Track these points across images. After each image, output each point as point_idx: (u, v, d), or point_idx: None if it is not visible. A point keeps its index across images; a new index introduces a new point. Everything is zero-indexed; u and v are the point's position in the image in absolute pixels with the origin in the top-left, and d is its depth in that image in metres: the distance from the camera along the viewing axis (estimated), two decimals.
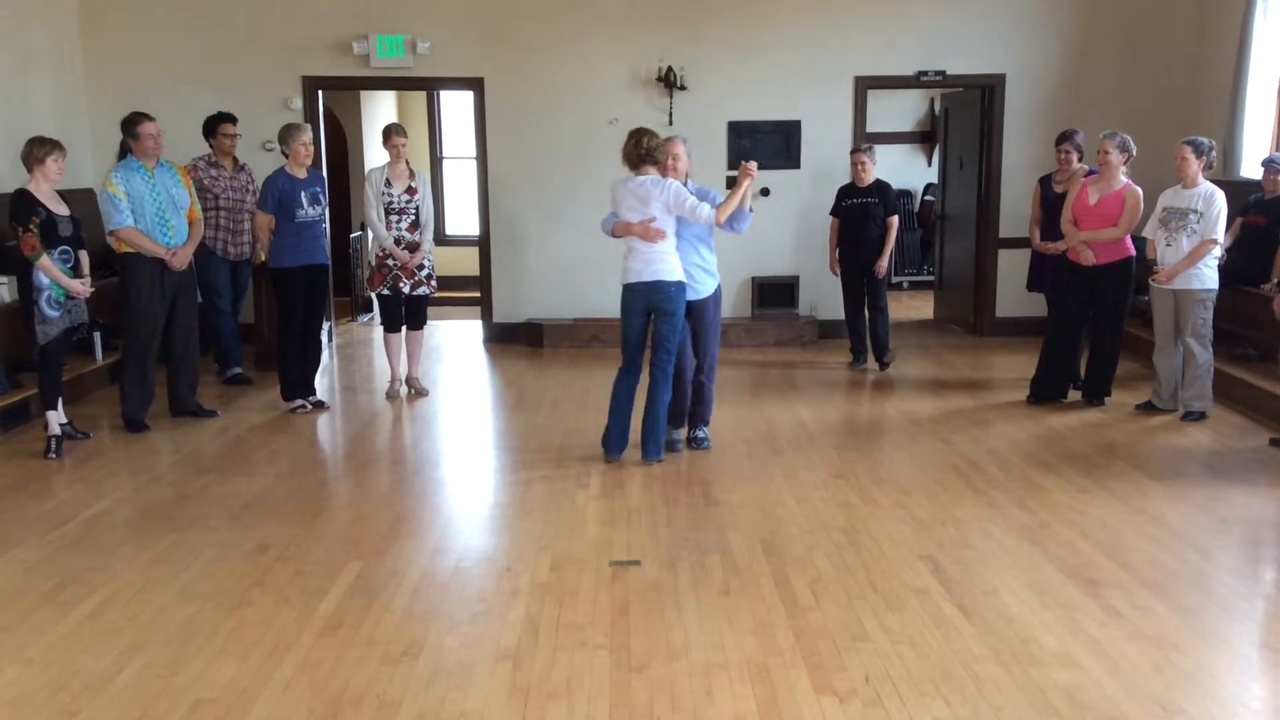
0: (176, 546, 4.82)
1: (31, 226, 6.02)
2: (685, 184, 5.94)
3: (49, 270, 6.08)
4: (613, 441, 6.01)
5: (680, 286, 5.81)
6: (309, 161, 7.18)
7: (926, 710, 3.35)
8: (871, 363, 8.68)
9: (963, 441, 6.47)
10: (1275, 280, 6.97)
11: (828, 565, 4.54)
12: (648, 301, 5.78)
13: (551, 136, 9.67)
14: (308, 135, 7.16)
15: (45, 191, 6.20)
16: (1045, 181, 7.84)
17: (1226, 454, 6.18)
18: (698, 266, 6.01)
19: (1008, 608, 4.09)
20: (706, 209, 5.72)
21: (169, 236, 6.77)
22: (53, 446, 6.23)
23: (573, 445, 6.46)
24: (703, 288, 6.04)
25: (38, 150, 6.17)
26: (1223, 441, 6.42)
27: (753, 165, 5.86)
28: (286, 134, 7.19)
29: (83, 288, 6.26)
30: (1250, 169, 8.43)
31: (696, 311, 6.05)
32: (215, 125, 8.19)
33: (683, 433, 6.30)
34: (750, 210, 6.02)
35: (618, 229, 5.82)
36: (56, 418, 6.29)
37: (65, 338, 6.36)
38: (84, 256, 6.37)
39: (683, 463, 6.02)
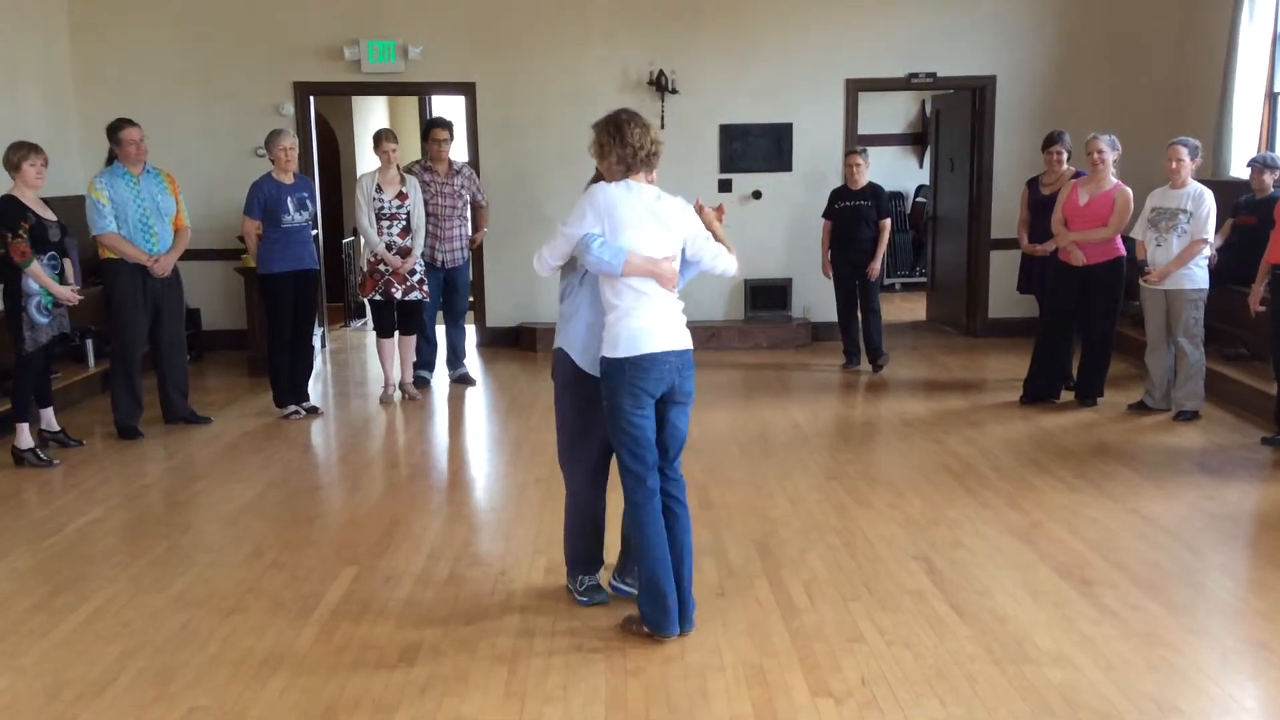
0: (170, 553, 4.81)
1: (21, 232, 5.95)
2: None
3: (39, 276, 6.02)
4: (674, 612, 3.84)
5: None
6: (292, 166, 7.17)
7: (922, 710, 3.35)
8: (865, 364, 8.70)
9: (956, 442, 6.48)
10: (1265, 284, 6.98)
11: (822, 567, 4.54)
12: (671, 381, 3.81)
13: (543, 140, 9.68)
14: (287, 140, 7.16)
15: (30, 197, 6.10)
16: (1033, 184, 7.88)
17: (1219, 453, 6.19)
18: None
19: (1002, 607, 4.10)
20: (731, 257, 4.05)
21: (152, 243, 6.75)
22: (32, 458, 6.13)
23: None
24: None
25: (13, 155, 6.06)
26: (1215, 440, 6.44)
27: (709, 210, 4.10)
28: (269, 140, 7.22)
29: (72, 295, 6.20)
30: (1239, 169, 8.46)
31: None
32: (427, 131, 8.12)
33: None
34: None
35: (634, 265, 3.72)
36: (48, 415, 6.20)
37: (50, 347, 6.28)
38: (69, 265, 6.30)
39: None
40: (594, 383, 3.90)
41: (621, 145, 3.78)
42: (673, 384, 3.81)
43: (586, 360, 3.93)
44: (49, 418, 6.51)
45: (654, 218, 3.79)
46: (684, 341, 3.85)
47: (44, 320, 6.12)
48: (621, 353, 3.73)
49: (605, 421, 3.88)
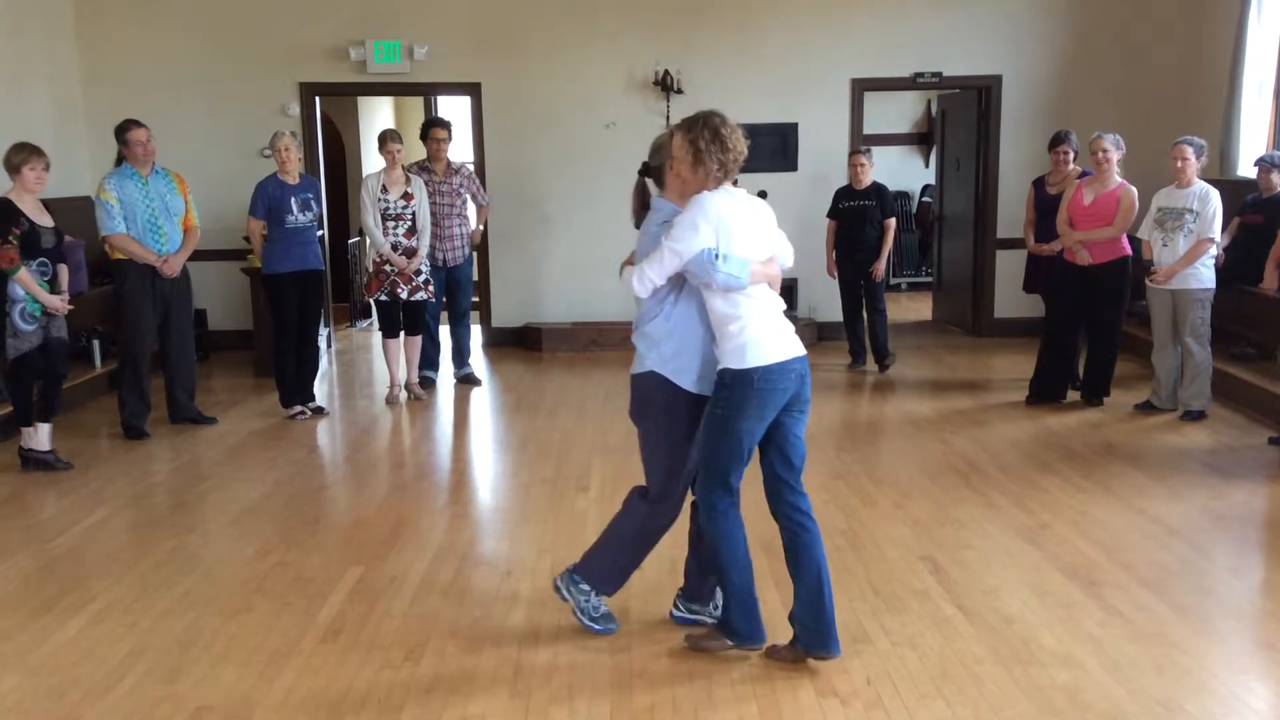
0: (176, 553, 4.82)
1: (11, 238, 5.77)
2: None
3: (26, 284, 5.83)
4: (758, 622, 3.73)
5: None
6: (291, 166, 7.17)
7: (928, 711, 3.35)
8: (870, 364, 8.69)
9: (962, 442, 6.47)
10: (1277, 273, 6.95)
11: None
12: (795, 389, 3.60)
13: (549, 141, 9.69)
14: (283, 140, 7.18)
15: (28, 201, 5.93)
16: (1039, 184, 7.88)
17: (1226, 453, 6.17)
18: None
19: (1008, 608, 4.09)
20: (790, 247, 3.84)
21: (161, 243, 6.75)
22: (40, 462, 6.07)
23: (572, 448, 6.45)
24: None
25: (13, 157, 5.87)
26: (1222, 440, 6.42)
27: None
28: (270, 141, 7.25)
29: (61, 304, 6.02)
30: (1247, 168, 8.44)
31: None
32: (426, 130, 8.21)
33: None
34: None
35: (755, 274, 3.52)
36: (48, 429, 6.14)
37: (55, 350, 6.20)
38: (63, 270, 6.14)
39: None
40: (702, 405, 3.66)
41: (723, 150, 3.49)
42: (796, 392, 3.58)
43: (704, 381, 3.65)
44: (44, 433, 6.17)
45: (755, 222, 3.61)
46: (802, 346, 3.64)
47: (28, 327, 5.91)
48: (750, 362, 3.47)
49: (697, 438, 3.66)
